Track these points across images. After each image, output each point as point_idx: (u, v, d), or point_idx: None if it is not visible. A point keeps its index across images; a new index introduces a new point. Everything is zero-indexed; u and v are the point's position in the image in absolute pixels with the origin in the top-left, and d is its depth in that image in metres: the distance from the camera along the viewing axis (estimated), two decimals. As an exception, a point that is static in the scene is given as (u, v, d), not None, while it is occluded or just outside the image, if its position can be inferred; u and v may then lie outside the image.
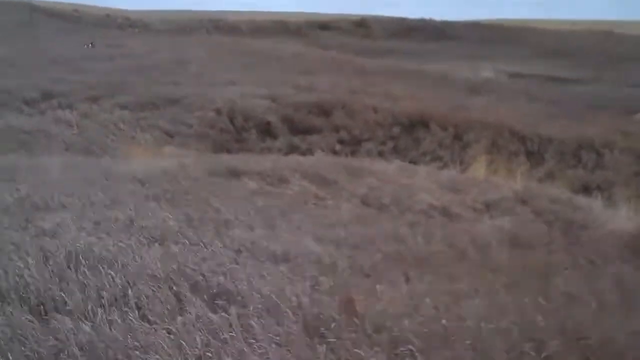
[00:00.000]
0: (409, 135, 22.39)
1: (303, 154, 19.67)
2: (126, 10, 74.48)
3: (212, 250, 7.53)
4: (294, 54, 39.39)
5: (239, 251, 7.59)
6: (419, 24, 72.70)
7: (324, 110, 23.45)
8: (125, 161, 14.30)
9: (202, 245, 7.73)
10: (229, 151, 19.83)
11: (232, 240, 7.94)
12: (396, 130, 22.36)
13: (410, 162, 18.95)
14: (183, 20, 62.83)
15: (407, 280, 7.19)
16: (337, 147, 21.40)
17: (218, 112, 22.41)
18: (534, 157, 20.09)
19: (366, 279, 7.16)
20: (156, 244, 7.69)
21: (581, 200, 13.71)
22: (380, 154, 20.74)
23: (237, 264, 7.12)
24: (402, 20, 74.39)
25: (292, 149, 20.79)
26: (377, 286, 6.71)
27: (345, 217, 9.90)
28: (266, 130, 22.17)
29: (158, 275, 6.58)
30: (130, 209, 9.03)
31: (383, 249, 8.19)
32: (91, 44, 26.02)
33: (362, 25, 70.21)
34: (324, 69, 32.88)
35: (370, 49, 51.00)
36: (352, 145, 21.68)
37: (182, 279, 6.54)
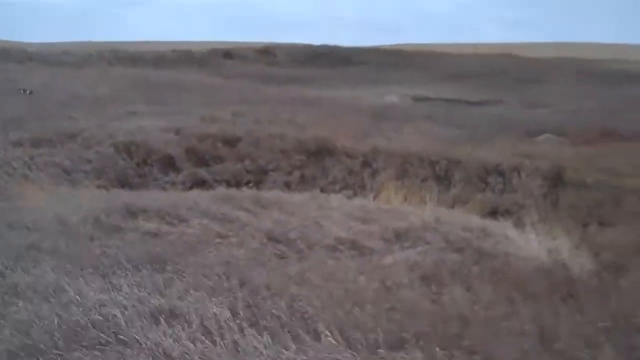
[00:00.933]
0: (316, 163, 21.98)
1: (208, 186, 19.09)
2: (24, 43, 72.42)
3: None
4: (198, 83, 38.78)
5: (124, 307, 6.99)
6: (324, 50, 72.93)
7: (228, 141, 22.84)
8: (15, 204, 13.43)
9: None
10: (130, 186, 18.99)
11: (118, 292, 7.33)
12: (303, 158, 21.91)
13: (320, 191, 18.60)
14: (84, 51, 61.23)
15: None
16: (243, 177, 20.77)
17: (117, 146, 21.52)
18: (443, 182, 19.96)
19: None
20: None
21: (492, 225, 13.58)
22: (288, 184, 20.27)
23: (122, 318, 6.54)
24: (306, 47, 74.62)
25: (196, 182, 20.11)
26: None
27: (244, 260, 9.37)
28: (169, 164, 21.39)
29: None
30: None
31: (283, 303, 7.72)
32: (28, 90, 24.48)
33: (266, 53, 69.96)
34: (227, 98, 32.34)
35: (275, 77, 50.70)
36: (258, 175, 21.12)
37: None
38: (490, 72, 54.38)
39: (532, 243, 12.04)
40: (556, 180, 19.60)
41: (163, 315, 6.95)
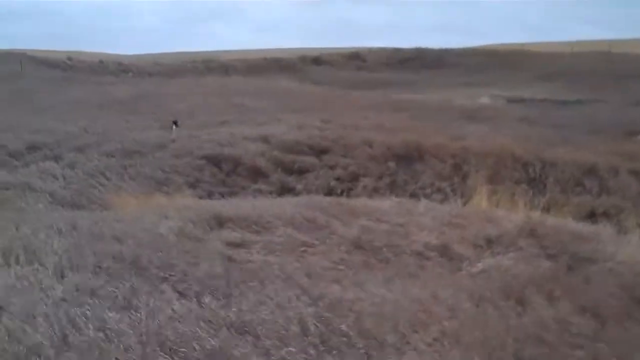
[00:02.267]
0: (406, 168, 21.70)
1: (298, 194, 19.09)
2: (119, 55, 74.50)
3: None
4: (286, 90, 38.96)
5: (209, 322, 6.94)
6: (413, 53, 72.35)
7: (317, 148, 22.81)
8: (108, 214, 13.66)
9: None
10: (219, 196, 19.15)
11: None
12: (392, 164, 21.65)
13: (410, 196, 18.35)
14: (175, 62, 62.57)
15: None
16: (333, 184, 20.68)
17: (207, 156, 21.78)
18: (537, 184, 19.37)
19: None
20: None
21: (589, 229, 13.03)
22: (377, 190, 20.06)
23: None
24: (396, 51, 74.11)
25: (285, 190, 20.16)
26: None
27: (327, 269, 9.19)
28: (258, 172, 21.49)
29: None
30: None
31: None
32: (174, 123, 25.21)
33: (355, 58, 69.93)
34: (317, 104, 32.34)
35: (365, 81, 50.60)
36: (348, 182, 21.00)
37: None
38: (588, 70, 52.64)
39: (632, 248, 11.47)
40: (658, 181, 18.80)
41: (232, 330, 6.85)
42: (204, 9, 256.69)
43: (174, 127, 23.99)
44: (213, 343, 6.54)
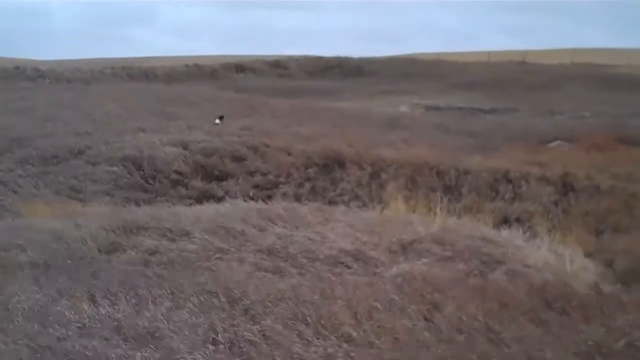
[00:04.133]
0: (326, 175, 21.89)
1: (218, 200, 19.00)
2: (36, 61, 72.65)
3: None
4: (209, 97, 38.69)
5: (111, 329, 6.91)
6: (335, 61, 72.72)
7: (237, 155, 22.80)
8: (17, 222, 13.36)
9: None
10: (138, 202, 18.90)
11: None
12: (312, 171, 21.82)
13: (329, 202, 18.51)
14: (95, 68, 61.40)
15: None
16: (252, 192, 20.65)
17: (124, 162, 21.51)
18: (452, 191, 19.78)
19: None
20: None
21: (501, 234, 13.40)
22: (297, 197, 20.14)
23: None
24: (318, 59, 74.39)
25: (205, 197, 20.04)
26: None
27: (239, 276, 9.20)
28: (177, 179, 21.35)
29: None
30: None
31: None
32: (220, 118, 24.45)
33: (277, 66, 69.90)
34: (237, 111, 32.25)
35: (287, 89, 50.64)
36: (268, 189, 21.04)
37: None
38: (503, 79, 53.90)
39: (541, 252, 11.84)
40: (568, 187, 19.40)
41: (143, 338, 6.85)
42: (121, 11, 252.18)
43: (218, 120, 23.64)
44: (121, 350, 6.54)
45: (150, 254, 10.24)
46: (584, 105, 39.91)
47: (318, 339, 7.18)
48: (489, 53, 75.22)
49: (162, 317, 7.35)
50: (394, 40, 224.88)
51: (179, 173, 21.53)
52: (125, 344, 6.77)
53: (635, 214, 17.17)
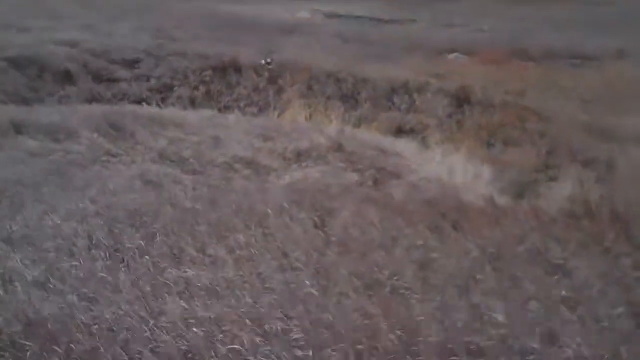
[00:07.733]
0: (221, 79, 21.27)
1: (107, 103, 18.27)
2: None
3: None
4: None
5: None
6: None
7: (129, 57, 21.83)
8: None
9: None
10: (24, 102, 17.96)
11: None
12: (207, 74, 21.16)
13: (224, 107, 18.12)
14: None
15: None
16: (146, 94, 19.90)
17: (9, 60, 20.25)
18: (349, 100, 19.59)
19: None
20: None
21: (395, 144, 13.40)
22: (192, 100, 19.58)
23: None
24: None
25: (94, 99, 19.14)
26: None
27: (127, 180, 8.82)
28: (65, 78, 20.29)
29: None
30: None
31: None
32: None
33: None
34: (131, 11, 30.93)
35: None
36: (161, 92, 20.31)
37: None
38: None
39: (434, 163, 11.91)
40: (462, 99, 19.48)
41: (15, 241, 6.51)
42: None
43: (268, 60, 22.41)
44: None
45: (31, 156, 9.68)
46: (483, 19, 40.06)
47: (209, 245, 6.97)
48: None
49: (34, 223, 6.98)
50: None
51: (66, 72, 20.43)
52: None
53: (526, 128, 17.46)
